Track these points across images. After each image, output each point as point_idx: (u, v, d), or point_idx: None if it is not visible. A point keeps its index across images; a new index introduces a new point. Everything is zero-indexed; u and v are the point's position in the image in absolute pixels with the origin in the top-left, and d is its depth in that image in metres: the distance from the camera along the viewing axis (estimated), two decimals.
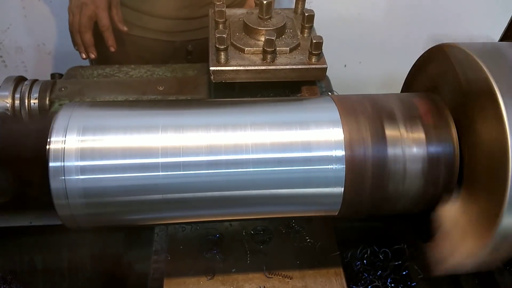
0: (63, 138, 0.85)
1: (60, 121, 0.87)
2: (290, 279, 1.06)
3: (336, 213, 0.96)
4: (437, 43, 1.02)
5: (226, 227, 1.15)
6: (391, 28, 2.63)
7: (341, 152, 0.88)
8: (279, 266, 1.08)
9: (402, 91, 1.17)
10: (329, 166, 0.89)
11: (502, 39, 1.18)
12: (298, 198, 0.91)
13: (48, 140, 0.85)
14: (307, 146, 0.88)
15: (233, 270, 1.06)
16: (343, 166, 0.89)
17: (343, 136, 0.89)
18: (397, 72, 1.29)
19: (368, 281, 1.15)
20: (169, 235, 1.12)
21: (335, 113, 0.92)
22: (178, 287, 1.03)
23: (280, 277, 1.06)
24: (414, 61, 1.11)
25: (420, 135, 0.91)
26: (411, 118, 0.93)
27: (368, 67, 2.80)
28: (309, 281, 1.05)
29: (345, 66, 2.80)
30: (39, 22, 2.55)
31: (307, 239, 1.13)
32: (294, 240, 1.13)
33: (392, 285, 1.14)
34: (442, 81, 0.99)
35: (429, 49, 1.05)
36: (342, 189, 0.90)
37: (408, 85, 1.14)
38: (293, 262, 1.09)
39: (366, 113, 0.93)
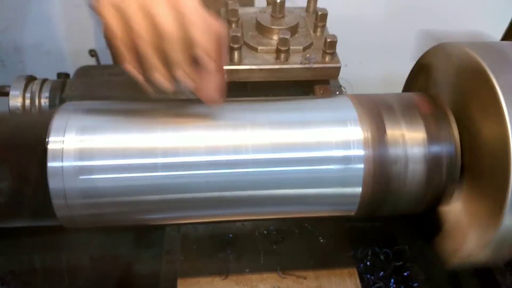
0: (62, 138, 0.84)
1: (58, 120, 0.87)
2: (304, 279, 1.05)
3: (353, 213, 0.95)
4: (438, 43, 1.02)
5: (238, 227, 1.14)
6: (391, 28, 2.63)
7: (360, 152, 0.88)
8: (292, 266, 1.07)
9: (403, 91, 1.17)
10: (348, 166, 0.88)
11: (504, 38, 1.18)
12: (315, 198, 0.91)
13: (47, 140, 0.84)
14: (324, 145, 0.88)
15: (246, 270, 1.06)
16: (362, 165, 0.88)
17: (362, 135, 0.89)
18: (398, 71, 1.29)
19: (371, 282, 1.14)
20: (181, 235, 1.12)
21: (353, 112, 0.92)
22: (192, 287, 1.03)
23: (294, 277, 1.06)
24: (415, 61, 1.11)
25: (422, 135, 0.91)
26: (413, 118, 0.93)
27: (368, 67, 2.80)
28: (323, 281, 1.05)
29: (345, 66, 2.80)
30: (38, 22, 2.53)
31: (320, 239, 1.13)
32: (307, 240, 1.13)
33: (394, 285, 1.14)
34: (443, 81, 0.99)
35: (430, 49, 1.05)
36: (361, 189, 0.90)
37: (409, 84, 1.14)
38: (307, 262, 1.09)
39: (379, 113, 0.93)
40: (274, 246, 1.11)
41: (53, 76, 1.20)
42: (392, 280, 1.15)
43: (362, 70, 2.82)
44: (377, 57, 2.71)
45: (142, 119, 0.89)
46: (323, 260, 1.09)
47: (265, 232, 1.13)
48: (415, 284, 1.13)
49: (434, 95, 0.99)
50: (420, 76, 1.09)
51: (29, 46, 2.61)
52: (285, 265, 1.07)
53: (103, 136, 0.86)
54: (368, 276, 1.15)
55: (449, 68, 0.97)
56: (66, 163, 0.83)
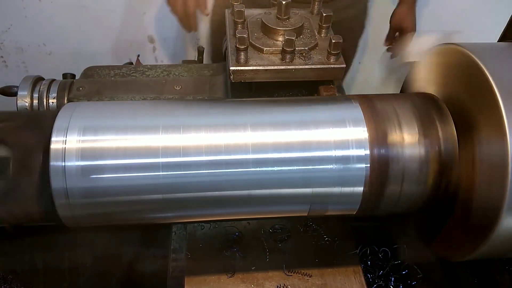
0: (64, 138, 0.85)
1: (60, 121, 0.87)
2: (310, 277, 1.06)
3: (354, 212, 0.96)
4: (436, 44, 1.03)
5: (244, 225, 1.15)
6: None
7: (362, 151, 0.89)
8: (298, 264, 1.08)
9: (401, 91, 1.18)
10: (349, 166, 0.89)
11: (501, 39, 1.19)
12: (317, 197, 0.92)
13: (49, 140, 0.85)
14: (326, 145, 0.89)
15: (252, 268, 1.07)
16: (363, 165, 0.89)
17: (364, 135, 0.90)
18: (396, 72, 1.30)
19: (370, 280, 1.16)
20: (188, 233, 1.13)
21: (354, 112, 0.93)
22: (199, 284, 1.04)
23: (300, 275, 1.07)
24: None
25: (422, 135, 0.93)
26: (412, 118, 0.94)
27: (367, 67, 2.81)
28: (328, 279, 1.06)
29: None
30: (40, 23, 2.55)
31: (325, 237, 1.14)
32: (312, 239, 1.14)
33: (392, 284, 1.16)
34: (441, 82, 1.00)
35: (428, 49, 1.06)
36: (362, 188, 0.91)
37: (408, 85, 1.15)
38: (312, 260, 1.10)
39: (379, 113, 0.94)
40: (280, 245, 1.12)
41: (54, 76, 1.21)
42: (392, 279, 1.16)
43: (361, 70, 2.84)
44: (376, 57, 2.73)
45: (143, 120, 0.90)
46: (328, 258, 1.10)
47: (270, 230, 1.14)
48: (414, 283, 1.15)
49: (432, 96, 1.00)
50: (418, 77, 1.10)
51: (30, 47, 2.62)
52: (291, 263, 1.08)
53: (105, 136, 0.86)
54: (368, 275, 1.16)
55: (447, 69, 0.98)
56: (68, 163, 0.84)
